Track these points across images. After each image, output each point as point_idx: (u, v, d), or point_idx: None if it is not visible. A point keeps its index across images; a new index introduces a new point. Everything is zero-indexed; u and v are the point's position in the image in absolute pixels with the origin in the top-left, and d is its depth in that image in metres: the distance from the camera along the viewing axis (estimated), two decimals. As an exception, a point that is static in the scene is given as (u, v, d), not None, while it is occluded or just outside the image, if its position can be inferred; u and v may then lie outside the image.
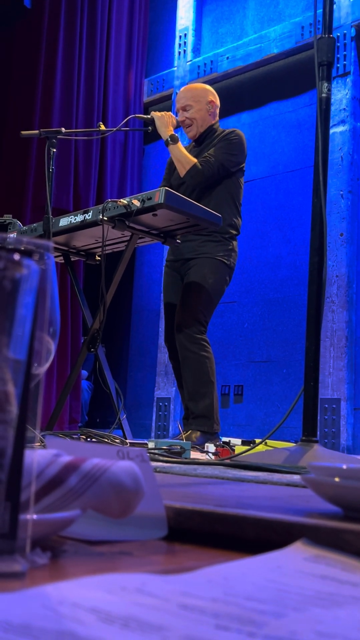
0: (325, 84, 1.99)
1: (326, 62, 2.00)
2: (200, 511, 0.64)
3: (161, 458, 1.85)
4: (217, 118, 3.45)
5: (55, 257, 3.44)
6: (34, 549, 0.49)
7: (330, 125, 2.16)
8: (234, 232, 3.31)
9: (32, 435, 0.50)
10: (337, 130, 4.82)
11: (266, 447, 2.13)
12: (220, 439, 2.96)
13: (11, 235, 0.51)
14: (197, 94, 3.40)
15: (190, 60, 5.95)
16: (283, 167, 5.21)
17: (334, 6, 2.13)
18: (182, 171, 3.23)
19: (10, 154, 5.26)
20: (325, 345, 4.55)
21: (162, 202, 2.74)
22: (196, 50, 6.00)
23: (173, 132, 3.28)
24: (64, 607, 0.35)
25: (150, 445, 2.28)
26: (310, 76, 2.78)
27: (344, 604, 0.39)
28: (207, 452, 2.43)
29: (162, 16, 6.39)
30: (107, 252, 3.24)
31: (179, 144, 3.27)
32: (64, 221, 3.18)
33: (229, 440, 2.68)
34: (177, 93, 4.24)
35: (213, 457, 2.28)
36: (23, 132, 3.21)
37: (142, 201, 2.81)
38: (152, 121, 3.33)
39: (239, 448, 2.29)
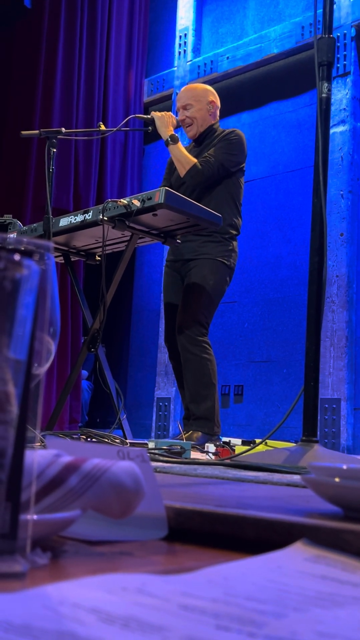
0: (326, 84, 1.99)
1: (326, 62, 2.00)
2: (201, 511, 0.64)
3: (161, 458, 1.85)
4: (218, 119, 3.45)
5: (56, 257, 3.44)
6: (34, 549, 0.49)
7: (331, 125, 2.16)
8: (234, 232, 3.31)
9: (32, 435, 0.50)
10: (337, 130, 4.82)
11: (266, 447, 2.13)
12: (221, 440, 2.96)
13: (11, 235, 0.51)
14: (198, 93, 3.41)
15: (191, 60, 5.95)
16: (283, 167, 5.22)
17: (334, 6, 2.13)
18: (182, 171, 3.23)
19: (10, 154, 5.26)
20: (325, 345, 4.55)
21: (162, 202, 2.74)
22: (196, 50, 6.00)
23: (173, 132, 3.28)
24: (65, 607, 0.35)
25: (151, 445, 2.28)
26: (311, 76, 2.78)
27: (344, 604, 0.39)
28: (207, 452, 2.43)
29: (162, 16, 6.39)
30: (107, 252, 3.24)
31: (179, 144, 3.27)
32: (64, 221, 3.18)
33: (229, 440, 2.68)
34: (177, 93, 4.25)
35: (213, 457, 2.28)
36: (23, 132, 3.21)
37: (142, 201, 2.81)
38: (152, 121, 3.34)
39: (239, 448, 2.29)
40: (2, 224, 3.41)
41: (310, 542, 0.54)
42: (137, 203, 2.81)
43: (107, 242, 3.14)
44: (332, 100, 3.98)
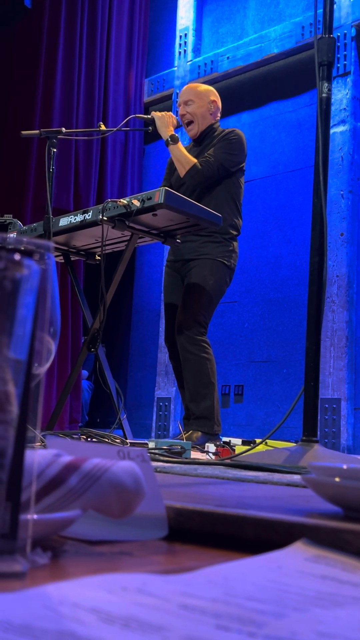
0: (326, 84, 1.99)
1: (326, 62, 2.00)
2: (201, 511, 0.64)
3: (162, 458, 1.85)
4: (218, 119, 3.45)
5: (56, 257, 3.44)
6: (34, 549, 0.49)
7: (331, 125, 2.16)
8: (235, 232, 3.31)
9: (32, 435, 0.50)
10: (338, 130, 4.82)
11: (266, 447, 2.13)
12: (221, 439, 2.96)
13: (11, 235, 0.51)
14: (200, 91, 3.43)
15: (191, 60, 5.95)
16: (283, 167, 5.21)
17: (334, 6, 2.13)
18: (182, 171, 3.24)
19: (10, 154, 5.27)
20: (325, 345, 4.55)
21: (162, 202, 2.74)
22: (196, 50, 6.00)
23: (173, 132, 3.28)
24: (65, 607, 0.35)
25: (151, 445, 2.28)
26: (311, 76, 2.78)
27: (344, 604, 0.40)
28: (207, 452, 2.43)
29: (163, 16, 6.39)
30: (107, 252, 3.24)
31: (179, 144, 3.27)
32: (64, 221, 3.18)
33: (229, 440, 2.68)
34: (177, 93, 4.25)
35: (213, 457, 2.29)
36: (23, 132, 3.21)
37: (142, 201, 2.81)
38: (152, 121, 3.34)
39: (239, 448, 2.29)
40: (2, 224, 3.41)
41: (310, 542, 0.54)
42: (137, 203, 2.81)
43: (107, 242, 3.14)
44: (332, 100, 3.98)
